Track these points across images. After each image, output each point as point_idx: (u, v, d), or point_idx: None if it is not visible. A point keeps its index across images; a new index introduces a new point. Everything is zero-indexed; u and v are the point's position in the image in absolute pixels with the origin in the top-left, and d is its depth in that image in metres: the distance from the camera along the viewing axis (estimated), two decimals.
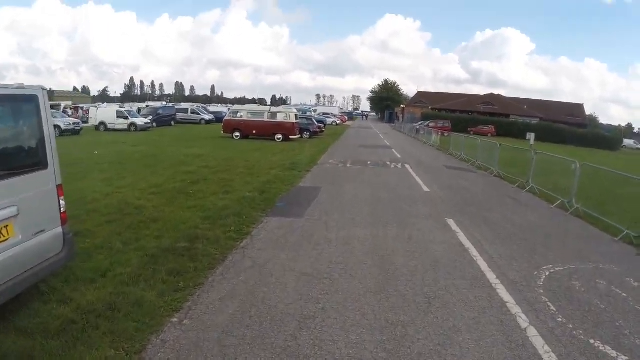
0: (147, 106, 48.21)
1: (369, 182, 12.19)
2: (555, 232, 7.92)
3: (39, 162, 4.00)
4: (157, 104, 57.18)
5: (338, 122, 60.17)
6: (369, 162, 16.88)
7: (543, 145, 29.82)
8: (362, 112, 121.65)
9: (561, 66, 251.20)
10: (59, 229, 4.26)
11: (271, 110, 27.01)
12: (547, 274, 5.56)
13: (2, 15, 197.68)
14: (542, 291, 4.98)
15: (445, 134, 30.47)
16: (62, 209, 4.30)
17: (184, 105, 55.43)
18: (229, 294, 4.59)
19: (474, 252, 6.28)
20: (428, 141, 30.98)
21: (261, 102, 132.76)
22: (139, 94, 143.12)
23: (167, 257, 5.53)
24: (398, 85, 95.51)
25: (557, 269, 5.77)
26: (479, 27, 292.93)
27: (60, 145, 4.55)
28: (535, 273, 5.57)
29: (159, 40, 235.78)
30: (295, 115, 27.34)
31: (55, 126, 25.64)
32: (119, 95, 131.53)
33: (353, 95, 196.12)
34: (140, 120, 31.38)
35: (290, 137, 26.11)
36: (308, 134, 30.28)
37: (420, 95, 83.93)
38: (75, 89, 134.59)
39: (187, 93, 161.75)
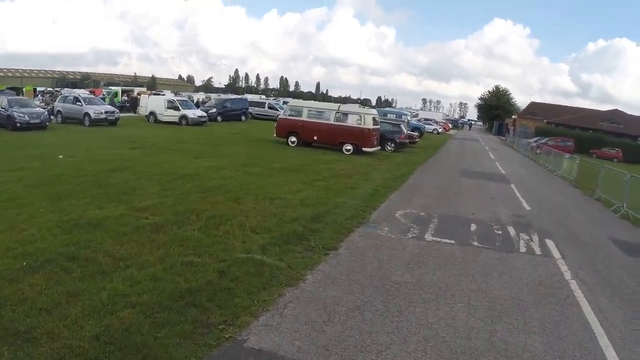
0: (241, 98, 44.10)
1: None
2: None
3: None
4: (255, 97, 53.75)
5: (440, 130, 50.37)
6: (473, 226, 8.61)
7: None
8: (468, 120, 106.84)
9: None
10: None
11: (340, 109, 19.64)
12: None
13: (114, 5, 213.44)
14: None
15: (567, 156, 21.55)
16: None
17: (284, 99, 50.79)
18: None
19: None
20: (556, 169, 21.11)
21: (364, 102, 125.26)
22: (243, 86, 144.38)
23: None
24: (510, 94, 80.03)
25: None
26: (591, 37, 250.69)
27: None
28: None
29: (267, 35, 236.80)
30: (374, 118, 19.60)
31: (85, 114, 21.96)
32: (223, 86, 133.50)
33: (460, 102, 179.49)
34: (192, 113, 26.47)
35: (364, 148, 18.68)
36: (392, 145, 22.39)
37: (534, 106, 70.48)
38: (180, 77, 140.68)
39: (291, 88, 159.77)
